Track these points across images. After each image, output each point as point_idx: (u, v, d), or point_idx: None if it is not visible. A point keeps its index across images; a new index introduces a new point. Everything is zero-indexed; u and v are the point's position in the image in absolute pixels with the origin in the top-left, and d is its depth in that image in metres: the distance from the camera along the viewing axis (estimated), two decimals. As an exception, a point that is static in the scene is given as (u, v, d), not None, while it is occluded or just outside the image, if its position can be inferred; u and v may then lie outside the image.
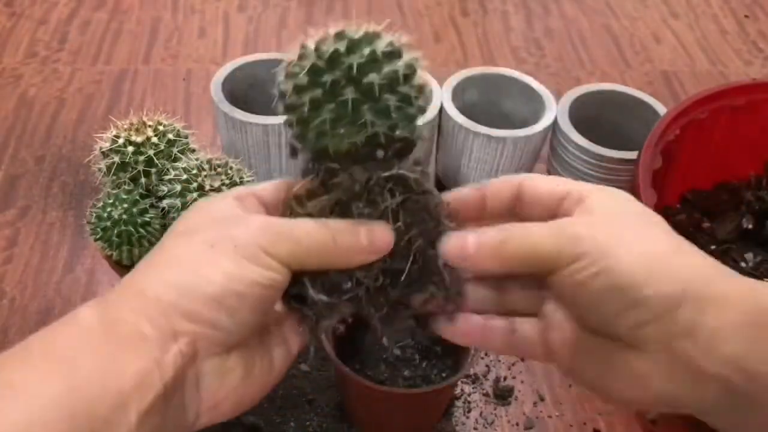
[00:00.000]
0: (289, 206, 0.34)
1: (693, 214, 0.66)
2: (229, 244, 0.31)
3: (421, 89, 0.32)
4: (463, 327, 0.34)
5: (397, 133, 0.32)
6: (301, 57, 0.31)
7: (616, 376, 0.30)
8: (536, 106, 0.69)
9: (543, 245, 0.30)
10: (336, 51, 0.30)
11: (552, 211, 0.33)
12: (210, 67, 0.86)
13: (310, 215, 0.33)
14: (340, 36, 0.31)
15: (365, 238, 0.32)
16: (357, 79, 0.30)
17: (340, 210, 0.33)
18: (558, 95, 0.69)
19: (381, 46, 0.31)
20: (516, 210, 0.35)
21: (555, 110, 0.67)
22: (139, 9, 0.96)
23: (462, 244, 0.32)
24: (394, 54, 0.31)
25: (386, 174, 0.32)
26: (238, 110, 0.64)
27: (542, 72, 0.90)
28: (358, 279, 0.32)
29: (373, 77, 0.30)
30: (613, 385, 0.31)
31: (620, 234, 0.30)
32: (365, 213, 0.32)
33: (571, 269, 0.30)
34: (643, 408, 0.32)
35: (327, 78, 0.30)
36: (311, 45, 0.31)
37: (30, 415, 0.26)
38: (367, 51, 0.31)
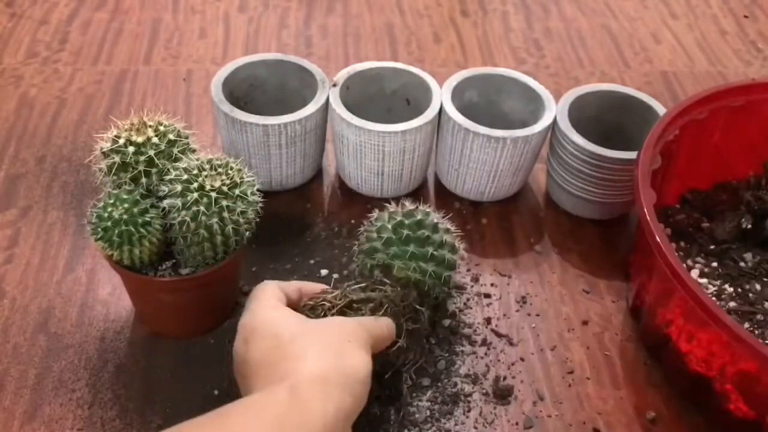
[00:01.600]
0: (302, 310, 0.51)
1: (692, 214, 0.66)
2: (347, 338, 0.45)
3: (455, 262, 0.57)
4: None
5: (437, 290, 0.56)
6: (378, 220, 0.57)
7: None
8: (536, 107, 0.69)
9: None
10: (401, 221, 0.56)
11: None
12: (210, 68, 0.87)
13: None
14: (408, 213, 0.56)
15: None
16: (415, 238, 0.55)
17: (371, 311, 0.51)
18: (557, 95, 0.69)
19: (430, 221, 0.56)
20: None
21: (554, 110, 0.67)
22: (140, 9, 0.96)
23: None
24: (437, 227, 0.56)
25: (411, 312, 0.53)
26: (239, 110, 0.64)
27: (542, 72, 0.90)
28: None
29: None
30: None
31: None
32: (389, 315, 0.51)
33: None
34: None
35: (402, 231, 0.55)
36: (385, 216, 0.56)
37: None
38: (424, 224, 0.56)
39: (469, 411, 0.55)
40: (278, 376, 0.42)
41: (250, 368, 0.45)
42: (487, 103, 0.73)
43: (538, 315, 0.62)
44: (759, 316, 0.56)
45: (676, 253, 0.62)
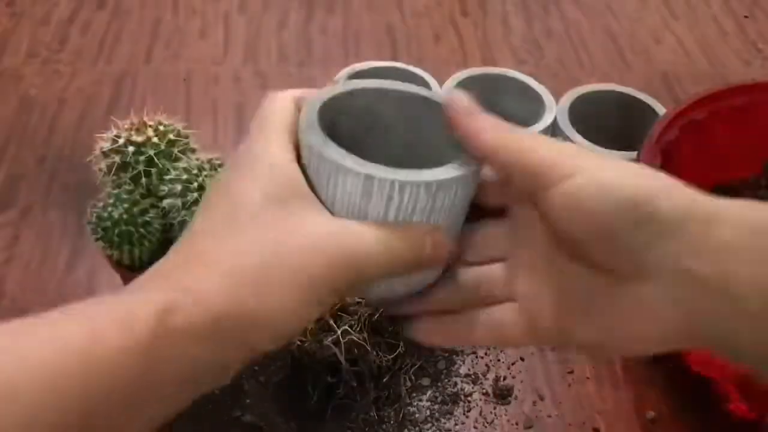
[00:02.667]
0: None
1: None
2: (303, 279, 0.29)
3: None
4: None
5: None
6: None
7: (618, 315, 0.28)
8: (536, 107, 0.69)
9: (540, 149, 0.29)
10: None
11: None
12: (210, 68, 0.87)
13: None
14: None
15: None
16: None
17: None
18: (558, 96, 0.69)
19: None
20: None
21: (555, 110, 0.67)
22: (140, 10, 0.96)
23: (472, 111, 0.33)
24: None
25: None
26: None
27: (542, 72, 0.90)
28: None
29: None
30: (617, 327, 0.28)
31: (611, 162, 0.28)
32: None
33: (569, 184, 0.27)
34: (651, 349, 0.29)
35: None
36: None
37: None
38: None
39: (469, 411, 0.55)
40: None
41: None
42: (486, 103, 0.72)
43: (538, 315, 0.62)
44: None
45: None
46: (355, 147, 0.30)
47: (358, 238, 0.30)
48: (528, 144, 0.29)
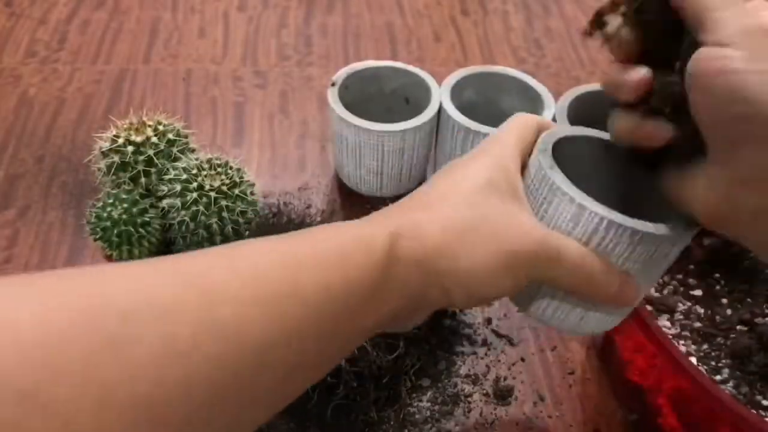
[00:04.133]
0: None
1: None
2: (511, 261, 0.33)
3: None
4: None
5: None
6: None
7: None
8: (535, 105, 0.69)
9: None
10: None
11: None
12: (210, 67, 0.86)
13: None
14: None
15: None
16: None
17: None
18: (558, 95, 0.69)
19: None
20: None
21: (554, 109, 0.67)
22: (139, 9, 0.96)
23: None
24: None
25: None
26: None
27: (542, 72, 0.90)
28: None
29: None
30: None
31: None
32: None
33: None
34: None
35: None
36: None
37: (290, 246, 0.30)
38: None
39: (469, 411, 0.55)
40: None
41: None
42: (485, 101, 0.72)
43: (538, 315, 0.62)
44: (720, 340, 0.56)
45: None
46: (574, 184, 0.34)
47: (563, 241, 0.33)
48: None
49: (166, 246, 0.53)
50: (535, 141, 0.38)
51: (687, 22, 0.30)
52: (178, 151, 0.52)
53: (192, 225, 0.49)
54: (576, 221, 0.33)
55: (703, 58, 0.28)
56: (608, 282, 0.34)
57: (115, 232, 0.49)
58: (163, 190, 0.50)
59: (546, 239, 0.33)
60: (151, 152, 0.51)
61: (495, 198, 0.34)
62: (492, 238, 0.32)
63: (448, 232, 0.32)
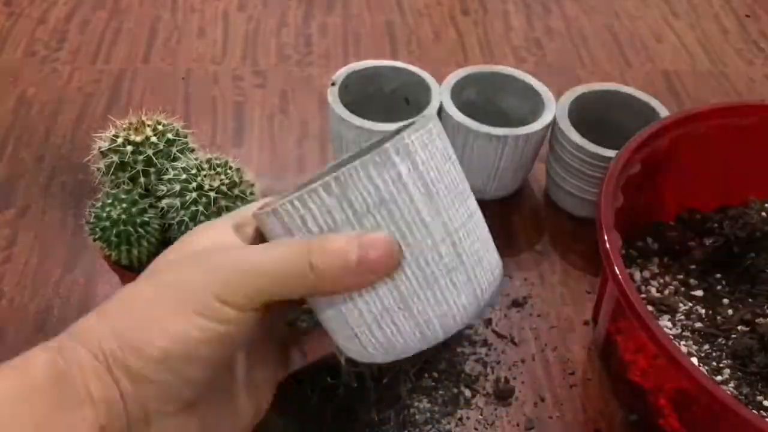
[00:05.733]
0: None
1: (685, 233, 0.64)
2: (180, 293, 0.29)
3: None
4: None
5: None
6: None
7: None
8: (535, 105, 0.69)
9: None
10: None
11: None
12: (209, 67, 0.86)
13: None
14: None
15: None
16: None
17: None
18: (558, 95, 0.69)
19: None
20: None
21: (555, 109, 0.67)
22: (139, 8, 0.96)
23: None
24: None
25: None
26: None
27: (543, 71, 0.90)
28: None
29: None
30: None
31: None
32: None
33: None
34: None
35: None
36: None
37: None
38: None
39: (469, 412, 0.55)
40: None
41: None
42: (485, 101, 0.72)
43: (539, 315, 0.62)
44: (721, 340, 0.56)
45: (658, 268, 0.62)
46: None
47: (242, 249, 0.32)
48: None
49: (165, 246, 0.53)
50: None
51: None
52: (177, 151, 0.52)
53: (191, 225, 0.49)
54: (286, 228, 0.32)
55: None
56: (338, 252, 0.29)
57: (114, 232, 0.49)
58: (163, 190, 0.50)
59: (215, 257, 0.32)
60: (150, 152, 0.50)
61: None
62: (153, 291, 0.32)
63: (110, 321, 0.33)
